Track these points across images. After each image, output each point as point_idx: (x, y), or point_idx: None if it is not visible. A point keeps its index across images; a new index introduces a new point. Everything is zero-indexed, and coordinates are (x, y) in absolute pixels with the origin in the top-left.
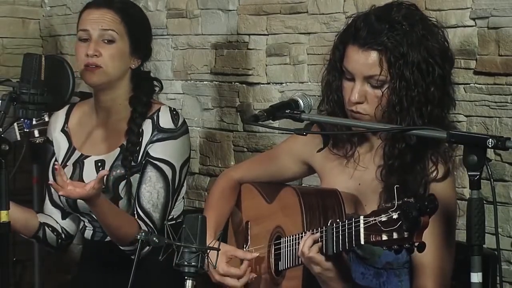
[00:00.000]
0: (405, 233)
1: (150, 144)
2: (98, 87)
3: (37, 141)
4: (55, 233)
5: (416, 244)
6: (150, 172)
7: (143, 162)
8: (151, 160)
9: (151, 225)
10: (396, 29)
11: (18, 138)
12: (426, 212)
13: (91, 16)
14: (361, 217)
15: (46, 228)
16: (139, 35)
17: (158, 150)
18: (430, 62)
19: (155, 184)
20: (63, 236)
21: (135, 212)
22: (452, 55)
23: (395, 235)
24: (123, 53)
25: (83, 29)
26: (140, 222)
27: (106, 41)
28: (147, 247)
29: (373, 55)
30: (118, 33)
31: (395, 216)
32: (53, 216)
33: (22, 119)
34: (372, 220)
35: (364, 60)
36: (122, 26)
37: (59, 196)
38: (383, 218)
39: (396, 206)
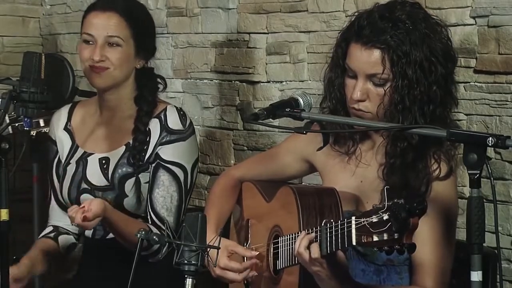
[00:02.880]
0: (395, 234)
1: (160, 146)
2: (105, 89)
3: (43, 131)
4: (71, 234)
5: (406, 245)
6: (163, 176)
7: (154, 165)
8: (163, 164)
9: (166, 229)
10: (399, 28)
11: (10, 131)
12: (415, 214)
13: (96, 20)
14: (353, 218)
15: (60, 236)
16: (144, 36)
17: (168, 153)
18: (432, 61)
19: (168, 188)
20: (75, 236)
21: (148, 217)
22: (455, 54)
23: (385, 236)
24: (129, 56)
25: (88, 32)
26: (152, 227)
27: (111, 45)
28: (165, 248)
29: (376, 54)
30: (124, 39)
31: (385, 217)
32: (61, 222)
33: (13, 113)
34: (363, 221)
35: (367, 58)
36: (127, 30)
37: (61, 194)
38: (374, 219)
39: (386, 208)
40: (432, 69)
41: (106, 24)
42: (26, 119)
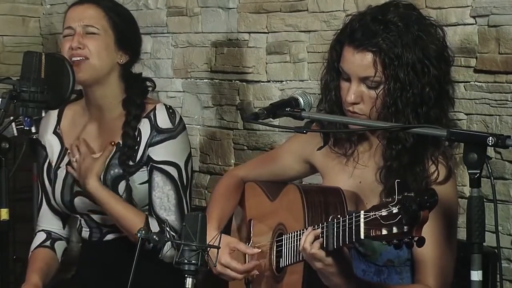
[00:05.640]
0: (405, 227)
1: (150, 148)
2: (87, 83)
3: (34, 137)
4: (63, 240)
5: (416, 238)
6: (157, 178)
7: (149, 169)
8: (156, 165)
9: (168, 228)
10: (391, 30)
11: (15, 133)
12: (426, 207)
13: (73, 13)
14: (362, 212)
15: (57, 245)
16: (125, 29)
17: (160, 153)
18: (425, 63)
19: (163, 188)
20: (67, 242)
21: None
22: (449, 55)
23: (394, 230)
24: (108, 45)
25: (67, 26)
26: (153, 221)
27: (89, 34)
28: (168, 249)
29: (368, 57)
30: (101, 28)
31: (395, 210)
32: (54, 227)
33: (21, 116)
34: (372, 215)
35: (359, 62)
36: (105, 20)
37: (54, 198)
38: (383, 212)
39: (396, 201)
40: (425, 71)
41: (82, 14)
42: (26, 118)
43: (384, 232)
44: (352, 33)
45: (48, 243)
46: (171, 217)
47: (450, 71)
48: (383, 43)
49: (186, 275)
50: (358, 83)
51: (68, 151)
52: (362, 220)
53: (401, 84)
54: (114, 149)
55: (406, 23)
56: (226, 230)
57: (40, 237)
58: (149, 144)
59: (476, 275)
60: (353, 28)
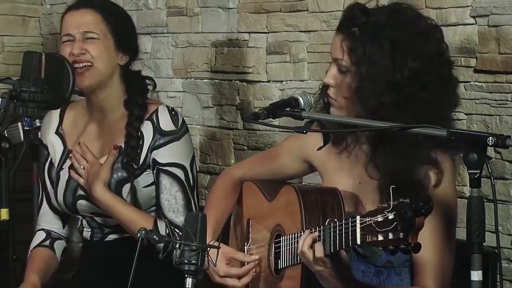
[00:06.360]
0: (401, 233)
1: (155, 151)
2: (91, 89)
3: (37, 142)
4: (63, 239)
5: (412, 245)
6: (164, 180)
7: (155, 172)
8: (162, 168)
9: (178, 230)
10: (370, 22)
11: (22, 139)
12: (421, 213)
13: (71, 19)
14: (358, 217)
15: (56, 244)
16: (123, 30)
17: (164, 155)
18: (400, 61)
19: (170, 190)
20: (67, 241)
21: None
22: (442, 56)
23: (390, 236)
24: (109, 48)
25: (66, 33)
26: (160, 223)
27: (89, 39)
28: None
29: (340, 39)
30: (100, 33)
31: (390, 216)
32: (53, 226)
33: (27, 127)
34: (368, 221)
35: (335, 43)
36: (103, 24)
37: (56, 199)
38: (379, 218)
39: (392, 207)
40: (398, 68)
41: (81, 21)
42: (26, 118)
43: (380, 238)
44: (341, 19)
45: (47, 242)
46: (180, 218)
47: (437, 75)
48: (357, 31)
49: (186, 275)
50: (334, 65)
51: (70, 155)
52: (358, 225)
53: (367, 74)
54: (117, 153)
55: (391, 21)
56: (224, 230)
57: (39, 236)
58: (153, 148)
59: (476, 275)
60: (343, 15)
